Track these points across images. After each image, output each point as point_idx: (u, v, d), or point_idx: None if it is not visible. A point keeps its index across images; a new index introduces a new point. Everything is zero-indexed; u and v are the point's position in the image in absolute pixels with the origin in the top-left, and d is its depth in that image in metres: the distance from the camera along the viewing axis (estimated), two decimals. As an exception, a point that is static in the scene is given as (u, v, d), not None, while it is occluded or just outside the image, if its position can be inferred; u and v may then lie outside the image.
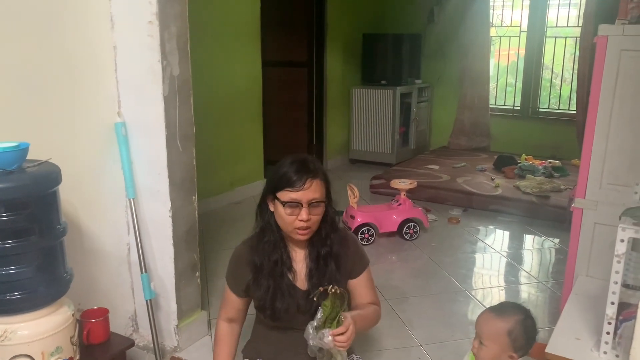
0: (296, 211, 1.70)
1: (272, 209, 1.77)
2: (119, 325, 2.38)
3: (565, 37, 6.10)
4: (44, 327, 1.69)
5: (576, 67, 5.34)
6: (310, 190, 1.69)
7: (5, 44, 1.88)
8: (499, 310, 1.64)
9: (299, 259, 1.84)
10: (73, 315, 1.81)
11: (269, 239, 1.80)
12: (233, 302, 1.90)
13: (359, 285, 1.89)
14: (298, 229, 1.72)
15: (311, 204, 1.69)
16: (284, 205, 1.70)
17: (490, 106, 6.36)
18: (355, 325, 1.65)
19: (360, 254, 1.92)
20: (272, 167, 1.83)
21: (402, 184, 3.94)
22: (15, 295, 1.63)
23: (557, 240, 3.95)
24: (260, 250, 1.80)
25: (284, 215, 1.72)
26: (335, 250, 1.82)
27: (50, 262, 1.71)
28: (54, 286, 1.72)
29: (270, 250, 1.79)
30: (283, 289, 1.79)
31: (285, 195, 1.70)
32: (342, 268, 1.84)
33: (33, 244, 1.64)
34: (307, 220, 1.70)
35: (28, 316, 1.67)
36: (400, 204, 3.91)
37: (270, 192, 1.76)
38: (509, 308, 1.65)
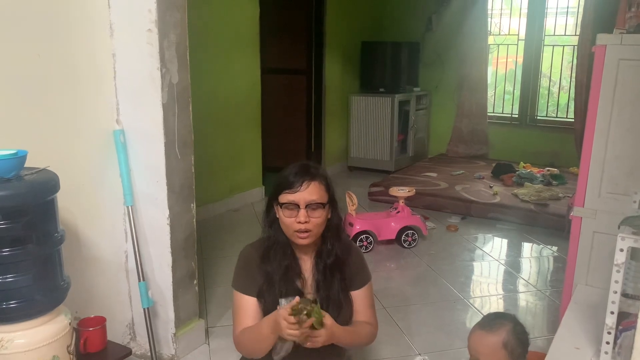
0: (294, 213, 1.69)
1: (277, 214, 1.77)
2: (116, 333, 2.36)
3: (563, 46, 6.13)
4: (40, 336, 1.68)
5: (574, 75, 5.35)
6: (307, 192, 1.69)
7: (4, 51, 1.88)
8: (487, 325, 1.61)
9: (307, 268, 1.83)
10: (70, 323, 1.80)
11: (278, 246, 1.79)
12: (250, 306, 1.78)
13: (356, 300, 1.86)
14: (297, 231, 1.71)
15: (309, 206, 1.69)
16: (281, 207, 1.71)
17: (488, 114, 6.37)
18: (334, 337, 1.65)
19: (363, 267, 1.90)
20: (276, 175, 1.83)
21: (401, 191, 3.94)
22: (12, 303, 1.62)
23: (555, 249, 3.94)
24: (272, 257, 1.79)
25: (283, 218, 1.72)
26: (340, 259, 1.81)
27: (47, 271, 1.70)
28: (50, 294, 1.72)
29: (280, 256, 1.78)
30: (293, 297, 1.78)
31: (284, 197, 1.71)
32: (345, 278, 1.83)
33: (30, 252, 1.64)
34: (306, 223, 1.69)
35: (24, 325, 1.66)
36: (398, 212, 3.91)
37: (274, 197, 1.76)
38: (496, 320, 1.63)
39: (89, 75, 2.18)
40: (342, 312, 1.83)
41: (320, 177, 1.74)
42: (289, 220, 1.71)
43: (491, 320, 1.63)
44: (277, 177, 1.77)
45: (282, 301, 1.66)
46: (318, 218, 1.72)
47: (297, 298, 1.60)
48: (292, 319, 1.55)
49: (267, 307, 1.77)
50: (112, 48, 2.23)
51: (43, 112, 2.03)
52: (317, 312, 1.59)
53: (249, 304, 1.79)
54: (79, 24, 2.12)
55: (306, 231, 1.71)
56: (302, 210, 1.69)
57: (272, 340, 1.66)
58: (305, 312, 1.57)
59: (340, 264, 1.82)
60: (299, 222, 1.69)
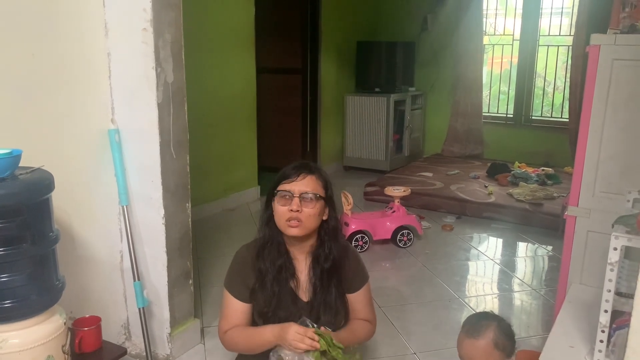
0: (288, 202, 1.71)
1: (273, 207, 1.77)
2: (111, 333, 2.36)
3: (558, 46, 6.15)
4: (35, 336, 1.67)
5: (568, 75, 5.38)
6: (303, 183, 1.71)
7: (-2, 50, 1.87)
8: (474, 330, 1.61)
9: (301, 269, 1.83)
10: (65, 323, 1.79)
11: (273, 244, 1.79)
12: (238, 310, 1.82)
13: (355, 301, 1.88)
14: (288, 220, 1.71)
15: (303, 197, 1.70)
16: (276, 195, 1.72)
17: (483, 114, 6.39)
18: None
19: (361, 269, 1.91)
20: (273, 175, 1.84)
21: (396, 191, 3.94)
22: (7, 303, 1.62)
23: (550, 248, 3.96)
24: (266, 255, 1.79)
25: (277, 207, 1.73)
26: (337, 262, 1.81)
27: (42, 270, 1.70)
28: (45, 294, 1.71)
29: (274, 255, 1.78)
30: (286, 297, 1.78)
31: (280, 187, 1.73)
32: (342, 281, 1.84)
33: (25, 252, 1.63)
34: (297, 212, 1.69)
35: (19, 324, 1.65)
36: (394, 211, 3.92)
37: (271, 193, 1.77)
38: (481, 321, 1.62)
39: (84, 75, 2.18)
40: (338, 317, 1.83)
41: (319, 174, 1.76)
42: (282, 209, 1.71)
43: (475, 325, 1.62)
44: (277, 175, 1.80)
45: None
46: (311, 209, 1.72)
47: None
48: (309, 332, 1.59)
49: (259, 306, 1.77)
50: (107, 47, 2.23)
51: (38, 111, 2.02)
52: (333, 347, 1.61)
53: (236, 307, 1.82)
54: (74, 23, 2.11)
55: (297, 220, 1.71)
56: (295, 198, 1.70)
57: (271, 345, 1.68)
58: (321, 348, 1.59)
59: (337, 268, 1.82)
60: (291, 210, 1.70)
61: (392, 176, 5.50)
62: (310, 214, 1.72)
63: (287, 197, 1.71)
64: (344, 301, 1.85)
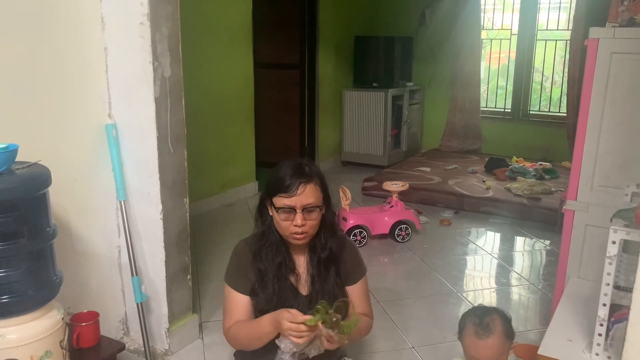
0: (291, 217, 1.68)
1: (270, 213, 1.76)
2: (109, 328, 2.36)
3: (556, 40, 6.14)
4: (33, 331, 1.66)
5: (566, 69, 5.38)
6: (304, 196, 1.67)
7: (-6, 44, 1.86)
8: (484, 329, 1.57)
9: (300, 263, 1.82)
10: (63, 318, 1.79)
11: (271, 243, 1.78)
12: (240, 302, 1.80)
13: (353, 294, 1.87)
14: (294, 233, 1.71)
15: (306, 209, 1.68)
16: (278, 211, 1.70)
17: (481, 109, 6.39)
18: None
19: (358, 262, 1.90)
20: (269, 171, 1.81)
21: (394, 186, 3.94)
22: (4, 298, 1.61)
23: (548, 242, 3.97)
24: (264, 254, 1.78)
25: (280, 222, 1.71)
26: (335, 254, 1.81)
27: (39, 265, 1.69)
28: (43, 289, 1.70)
29: (273, 253, 1.77)
30: (287, 293, 1.77)
31: (279, 201, 1.69)
32: (341, 272, 1.83)
33: (22, 247, 1.62)
34: (302, 225, 1.69)
35: (17, 320, 1.65)
36: (392, 206, 3.92)
37: (267, 196, 1.75)
38: (484, 319, 1.59)
39: (81, 70, 2.16)
40: None
41: (316, 177, 1.73)
42: (286, 224, 1.70)
43: (481, 324, 1.59)
44: (270, 176, 1.75)
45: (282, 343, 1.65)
46: (314, 220, 1.71)
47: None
48: (302, 327, 1.54)
49: (260, 304, 1.77)
50: (104, 42, 2.21)
51: (34, 106, 2.01)
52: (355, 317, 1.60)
53: (239, 300, 1.80)
54: (70, 17, 2.10)
55: (302, 233, 1.70)
56: (298, 213, 1.67)
57: (273, 335, 1.66)
58: (334, 318, 1.55)
59: (334, 259, 1.81)
60: (296, 225, 1.69)
61: (390, 171, 5.50)
62: (314, 223, 1.72)
63: (290, 212, 1.69)
64: (343, 290, 1.85)
